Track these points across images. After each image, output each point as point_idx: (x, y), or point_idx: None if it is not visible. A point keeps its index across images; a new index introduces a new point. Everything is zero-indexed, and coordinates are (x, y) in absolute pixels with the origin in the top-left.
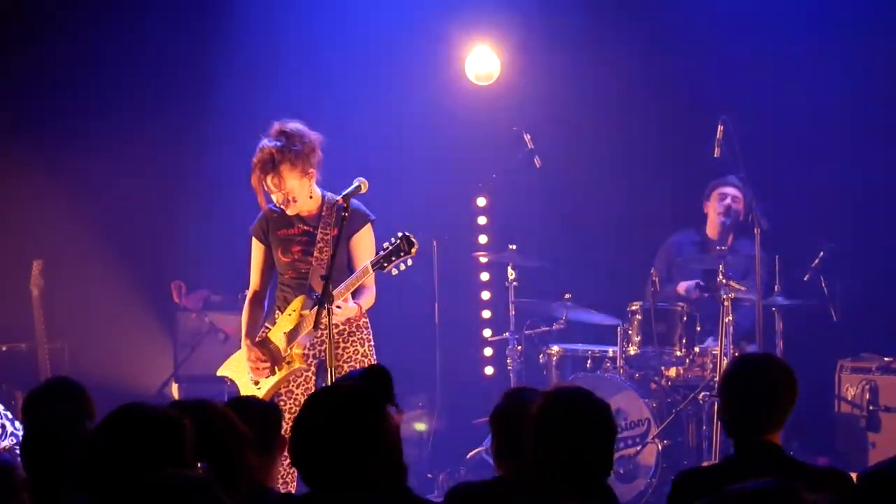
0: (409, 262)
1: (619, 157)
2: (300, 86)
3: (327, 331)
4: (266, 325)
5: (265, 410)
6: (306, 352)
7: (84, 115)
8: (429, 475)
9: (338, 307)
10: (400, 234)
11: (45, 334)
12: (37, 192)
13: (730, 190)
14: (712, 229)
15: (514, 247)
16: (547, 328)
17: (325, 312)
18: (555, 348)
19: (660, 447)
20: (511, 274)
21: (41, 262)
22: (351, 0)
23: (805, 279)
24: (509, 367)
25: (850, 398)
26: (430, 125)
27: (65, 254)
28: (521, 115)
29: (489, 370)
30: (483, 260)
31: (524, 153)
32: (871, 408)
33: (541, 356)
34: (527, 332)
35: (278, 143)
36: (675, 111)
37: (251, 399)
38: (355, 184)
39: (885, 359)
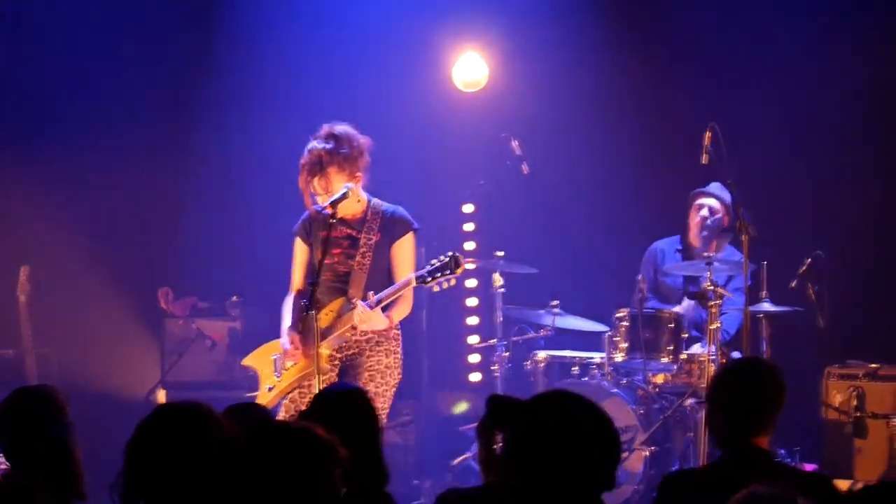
0: (453, 281)
1: (606, 163)
2: (288, 92)
3: (315, 335)
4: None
5: (261, 417)
6: (333, 353)
7: (73, 123)
8: (415, 482)
9: (370, 306)
10: (450, 253)
11: (32, 341)
12: (24, 198)
13: (707, 201)
14: (693, 238)
15: (502, 253)
16: (534, 335)
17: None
18: (542, 355)
19: (647, 454)
20: (498, 280)
21: (28, 268)
22: (338, 6)
23: (792, 286)
24: (496, 374)
25: (836, 405)
26: (418, 131)
27: (52, 260)
28: (509, 122)
29: (476, 377)
30: (470, 266)
31: (512, 160)
32: (857, 414)
33: (528, 363)
34: (514, 338)
35: (327, 146)
36: (662, 117)
37: (251, 405)
38: (343, 190)
39: (872, 365)
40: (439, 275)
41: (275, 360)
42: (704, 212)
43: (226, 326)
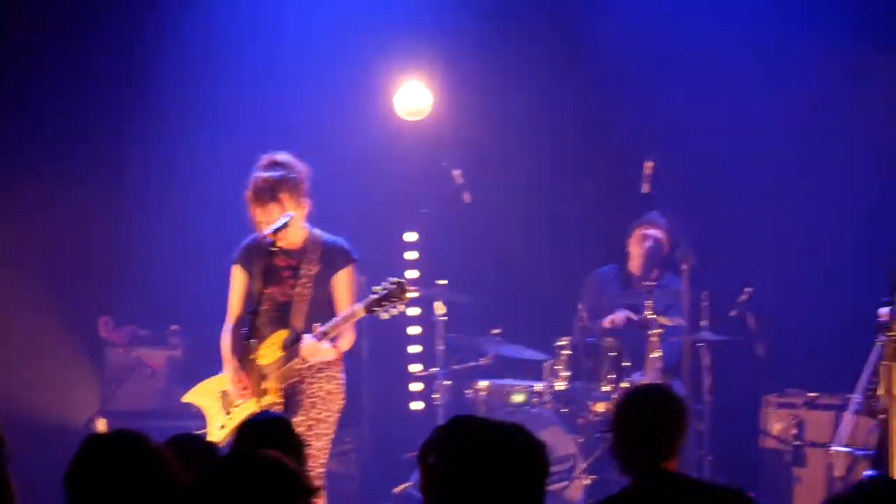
0: (402, 307)
1: (547, 193)
2: (229, 121)
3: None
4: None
5: (207, 450)
6: (281, 385)
7: (10, 146)
8: None
9: (319, 339)
10: (393, 280)
11: None
12: None
13: (651, 231)
14: (635, 267)
15: (444, 282)
16: (475, 363)
17: (253, 346)
18: (483, 384)
19: (587, 483)
20: (440, 309)
21: None
22: (281, 34)
23: (732, 315)
24: (437, 403)
25: (775, 433)
26: (361, 160)
27: None
28: (451, 151)
29: (418, 405)
30: (413, 295)
31: (453, 188)
32: (796, 443)
33: (469, 391)
34: (455, 367)
35: (276, 173)
36: (604, 147)
37: (194, 437)
38: (283, 220)
39: (810, 394)
40: (386, 303)
41: (222, 396)
42: (649, 242)
43: (165, 355)
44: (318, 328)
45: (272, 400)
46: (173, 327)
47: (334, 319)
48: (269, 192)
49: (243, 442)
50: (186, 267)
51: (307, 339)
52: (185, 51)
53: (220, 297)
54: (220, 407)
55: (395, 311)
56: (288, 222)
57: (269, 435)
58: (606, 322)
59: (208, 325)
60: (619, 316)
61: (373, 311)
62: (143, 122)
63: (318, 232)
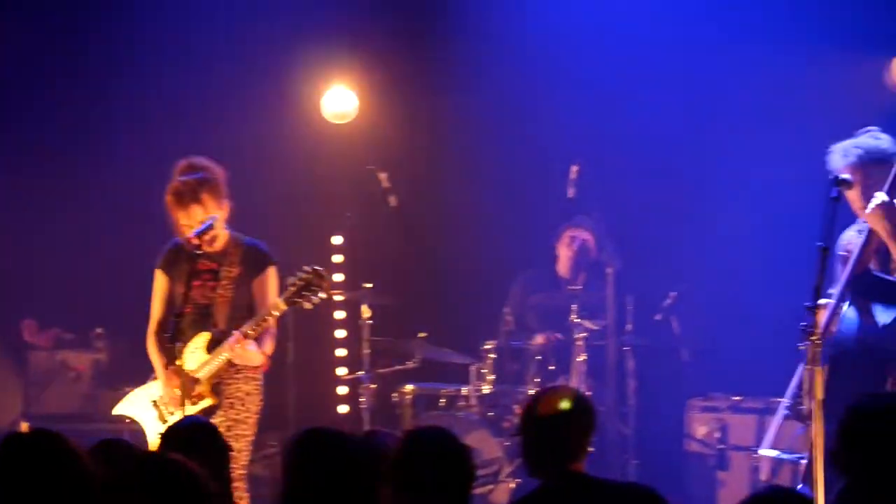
0: (323, 295)
1: (473, 196)
2: (154, 122)
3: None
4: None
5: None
6: (211, 387)
7: None
8: None
9: (242, 339)
10: (309, 269)
11: None
12: None
13: (580, 233)
14: (563, 269)
15: (370, 285)
16: (401, 367)
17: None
18: (408, 387)
19: (512, 486)
20: (366, 312)
21: None
22: (207, 36)
23: (657, 319)
24: (363, 406)
25: (699, 437)
26: (286, 163)
27: None
28: (377, 155)
29: (343, 409)
30: (338, 298)
31: (379, 192)
32: (720, 446)
33: (395, 395)
34: (381, 370)
35: (195, 175)
36: (529, 151)
37: (120, 442)
38: (208, 223)
39: (734, 398)
40: (307, 293)
41: (157, 405)
42: (576, 244)
43: (90, 358)
44: (239, 334)
45: (210, 403)
46: (97, 330)
47: (256, 317)
48: (190, 195)
49: (167, 448)
50: (110, 270)
51: (234, 346)
52: (108, 52)
53: (145, 299)
54: (154, 416)
55: (317, 300)
56: (213, 224)
57: (193, 440)
58: (538, 339)
59: (133, 329)
60: (547, 335)
61: (294, 302)
62: (63, 125)
63: (238, 234)
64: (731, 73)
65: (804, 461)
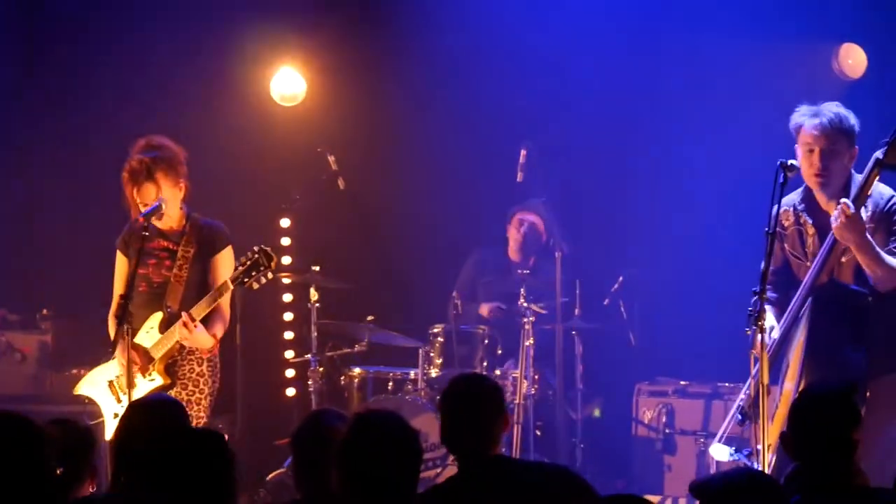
0: (270, 275)
1: (422, 179)
2: (104, 102)
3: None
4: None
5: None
6: (164, 366)
7: None
8: None
9: (190, 321)
10: (257, 248)
11: None
12: None
13: (529, 216)
14: (513, 253)
15: (318, 268)
16: (349, 350)
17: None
18: (356, 371)
19: None
20: (314, 295)
21: None
22: (155, 16)
23: (605, 303)
24: (311, 389)
25: (646, 421)
26: (235, 145)
27: None
28: (326, 137)
29: (291, 392)
30: (286, 281)
31: (328, 174)
32: (667, 430)
33: (342, 378)
34: (328, 353)
35: (151, 154)
36: (479, 135)
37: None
38: (156, 204)
39: (682, 382)
40: (255, 272)
41: (112, 384)
42: (524, 227)
43: (36, 339)
44: (186, 315)
45: (162, 382)
46: (44, 311)
47: (204, 299)
48: (144, 173)
49: (129, 424)
50: (57, 250)
51: (181, 329)
52: (53, 30)
53: (93, 280)
54: (110, 396)
55: (264, 280)
56: (161, 206)
57: (154, 416)
58: (482, 310)
59: (79, 310)
60: (490, 306)
61: (243, 282)
62: (6, 102)
63: (196, 215)
64: (681, 60)
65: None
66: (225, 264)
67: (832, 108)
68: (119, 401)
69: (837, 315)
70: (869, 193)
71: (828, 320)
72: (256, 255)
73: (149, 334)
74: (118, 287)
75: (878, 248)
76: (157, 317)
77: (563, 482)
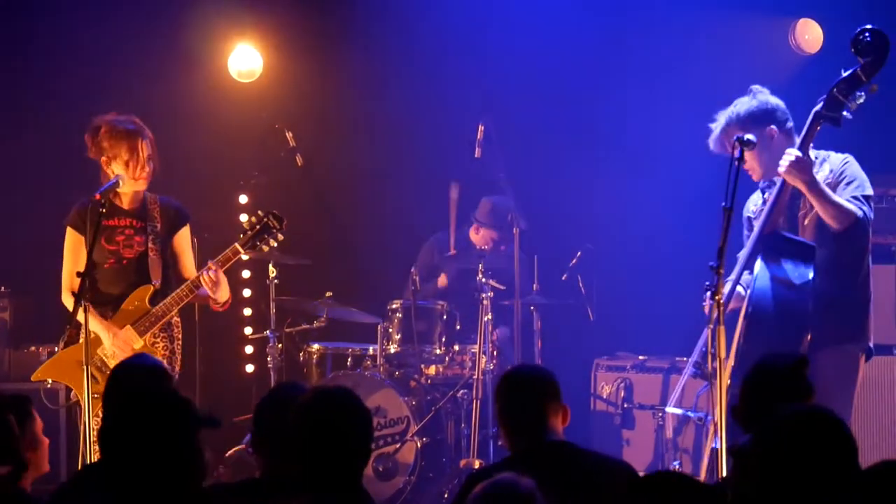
0: (281, 237)
1: (380, 156)
2: (60, 78)
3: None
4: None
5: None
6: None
7: None
8: None
9: (218, 270)
10: (263, 212)
11: None
12: None
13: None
14: (473, 237)
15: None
16: (308, 326)
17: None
18: (315, 346)
19: (419, 445)
20: (272, 271)
21: None
22: None
23: (563, 279)
24: (270, 365)
25: (605, 396)
26: (192, 121)
27: None
28: (284, 113)
29: (250, 368)
30: (244, 257)
31: (286, 151)
32: (625, 405)
33: (301, 354)
34: (287, 329)
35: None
36: (437, 111)
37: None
38: (113, 180)
39: (640, 357)
40: (267, 236)
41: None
42: (480, 237)
43: None
44: (212, 264)
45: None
46: (1, 288)
47: (222, 254)
48: (140, 132)
49: (117, 385)
50: (15, 227)
51: (210, 273)
52: (9, 3)
53: (50, 257)
54: (83, 378)
55: (273, 243)
56: (118, 182)
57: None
58: (441, 280)
59: (38, 288)
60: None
61: (254, 246)
62: None
63: (152, 193)
64: (640, 34)
65: (710, 419)
66: (187, 239)
67: (723, 114)
68: (102, 374)
69: (785, 259)
70: (812, 146)
71: (774, 267)
72: (266, 219)
73: (133, 309)
74: (72, 264)
75: (826, 188)
76: (146, 290)
77: (624, 477)
